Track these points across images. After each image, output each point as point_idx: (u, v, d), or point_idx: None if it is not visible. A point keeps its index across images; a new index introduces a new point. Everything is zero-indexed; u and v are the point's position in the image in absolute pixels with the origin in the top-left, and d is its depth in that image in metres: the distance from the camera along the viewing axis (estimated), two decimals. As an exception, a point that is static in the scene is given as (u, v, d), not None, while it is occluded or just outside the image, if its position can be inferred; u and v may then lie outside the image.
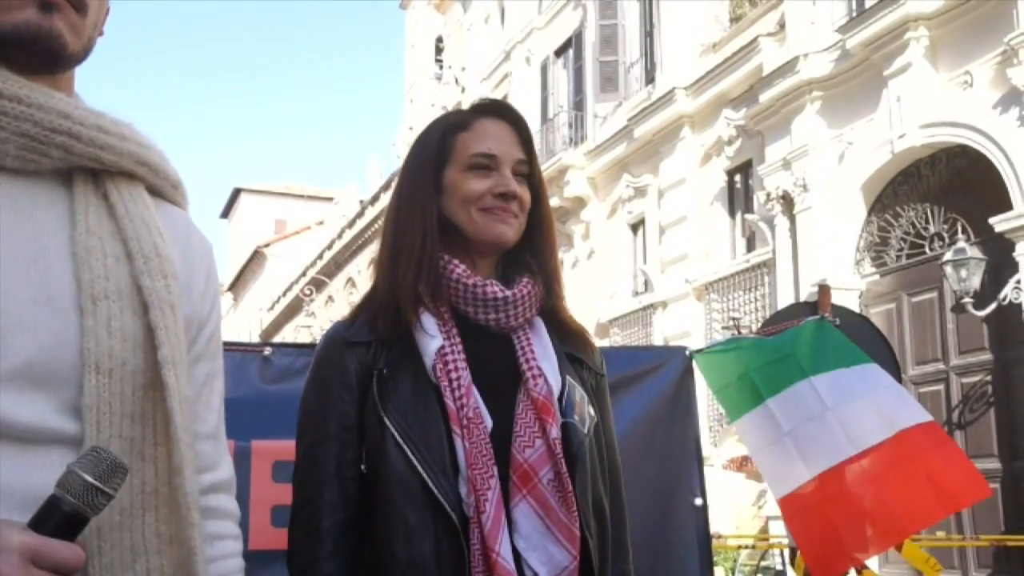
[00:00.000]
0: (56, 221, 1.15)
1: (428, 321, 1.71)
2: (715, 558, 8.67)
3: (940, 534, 9.68)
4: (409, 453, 1.61)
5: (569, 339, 1.84)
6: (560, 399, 1.71)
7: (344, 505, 1.68)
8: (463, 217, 1.75)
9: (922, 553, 4.35)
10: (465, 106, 1.92)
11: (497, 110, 1.84)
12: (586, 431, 1.72)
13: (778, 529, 9.67)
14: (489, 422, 1.65)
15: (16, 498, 1.04)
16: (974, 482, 3.32)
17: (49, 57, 1.15)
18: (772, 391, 3.40)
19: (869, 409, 3.29)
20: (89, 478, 0.99)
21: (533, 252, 1.81)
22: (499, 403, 1.68)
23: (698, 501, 3.43)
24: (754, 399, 3.43)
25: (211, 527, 1.29)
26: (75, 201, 1.16)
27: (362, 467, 1.69)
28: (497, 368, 1.71)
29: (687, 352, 3.58)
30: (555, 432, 1.66)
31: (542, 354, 1.74)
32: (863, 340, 3.71)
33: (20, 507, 1.03)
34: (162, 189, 1.29)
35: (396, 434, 1.63)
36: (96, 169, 1.19)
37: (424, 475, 1.60)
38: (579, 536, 1.63)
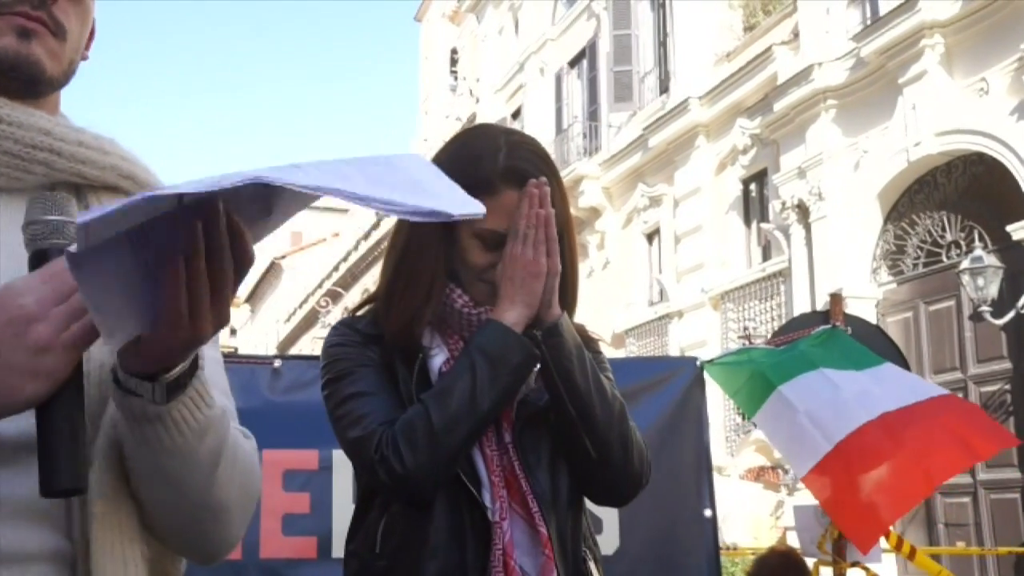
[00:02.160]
0: None
1: (434, 338, 1.74)
2: (733, 568, 8.65)
3: (960, 544, 9.62)
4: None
5: None
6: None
7: (398, 407, 1.66)
8: (463, 275, 1.75)
9: (936, 564, 4.32)
10: (487, 120, 1.87)
11: (527, 177, 1.69)
12: (537, 401, 1.71)
13: (796, 540, 9.60)
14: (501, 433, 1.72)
15: (5, 506, 1.04)
16: (998, 433, 3.34)
17: (28, 82, 1.17)
18: (783, 379, 3.41)
19: (884, 389, 3.32)
20: (51, 217, 1.01)
21: None
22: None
23: (707, 512, 3.42)
24: (767, 389, 3.44)
25: None
26: None
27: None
28: None
29: (697, 363, 3.58)
30: (508, 436, 1.69)
31: None
32: (876, 349, 3.69)
33: (9, 515, 1.04)
34: None
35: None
36: (79, 184, 1.21)
37: (462, 476, 1.64)
38: (545, 532, 1.65)
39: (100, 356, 1.13)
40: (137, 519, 1.14)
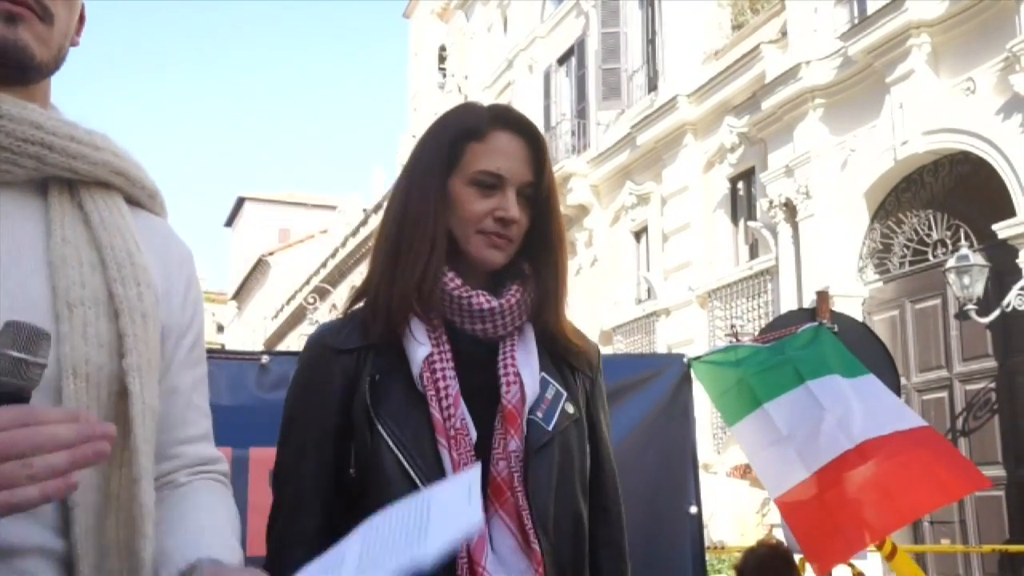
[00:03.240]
0: (32, 231, 1.16)
1: (418, 328, 1.68)
2: (720, 565, 8.66)
3: (945, 542, 9.66)
4: (403, 460, 1.60)
5: (557, 340, 1.79)
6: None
7: (323, 512, 1.67)
8: (459, 232, 1.72)
9: (914, 566, 4.33)
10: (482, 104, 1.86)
11: (514, 123, 1.75)
12: (551, 428, 1.68)
13: (782, 537, 9.63)
14: (474, 434, 1.64)
15: None
16: (972, 474, 3.33)
17: (16, 68, 1.16)
18: (769, 396, 3.40)
19: (866, 411, 3.30)
20: (15, 353, 0.97)
21: (533, 262, 1.77)
22: (482, 413, 1.66)
23: (693, 509, 3.42)
24: (752, 404, 3.43)
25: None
26: (50, 211, 1.17)
27: (351, 471, 1.67)
28: (482, 378, 1.69)
29: (685, 360, 3.58)
30: (514, 444, 1.63)
31: (524, 360, 1.71)
32: (862, 347, 3.69)
33: None
34: (139, 199, 1.30)
35: (389, 441, 1.61)
36: (71, 179, 1.20)
37: (418, 482, 1.58)
38: (538, 550, 1.60)
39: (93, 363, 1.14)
40: (132, 514, 1.15)
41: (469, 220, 1.70)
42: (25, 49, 1.15)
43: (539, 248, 1.77)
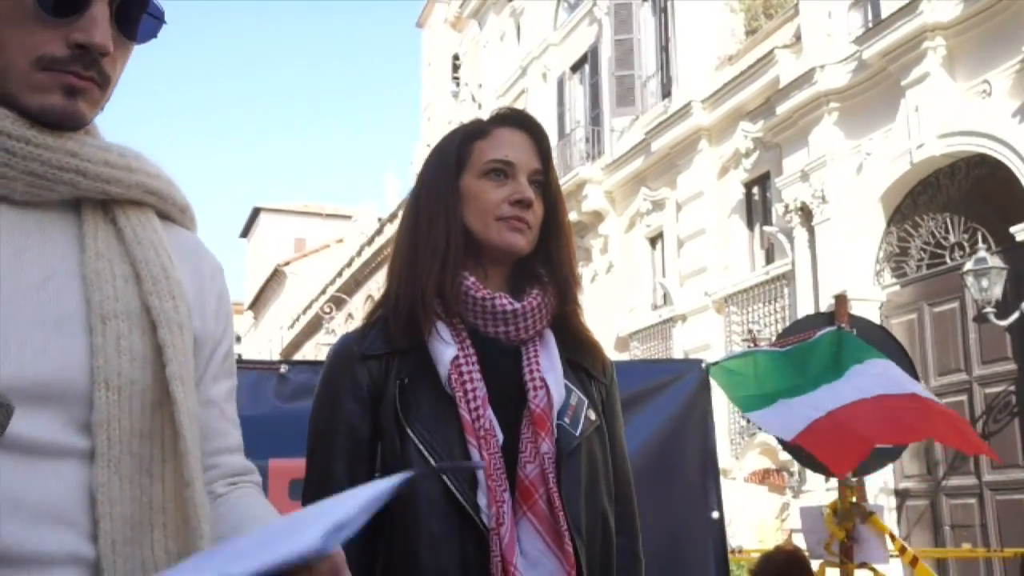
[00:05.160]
0: (65, 245, 1.18)
1: (443, 330, 1.70)
2: (739, 571, 8.63)
3: (966, 546, 9.59)
4: (432, 462, 1.61)
5: (576, 348, 1.82)
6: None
7: None
8: (478, 224, 1.75)
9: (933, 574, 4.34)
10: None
11: (515, 119, 1.83)
12: (578, 433, 1.70)
13: (802, 542, 9.59)
14: (500, 436, 1.65)
15: (28, 508, 1.06)
16: (975, 440, 3.55)
17: (67, 130, 1.19)
18: (788, 396, 3.44)
19: (884, 378, 3.42)
20: None
21: (548, 262, 1.80)
22: (507, 417, 1.68)
23: (715, 514, 3.41)
24: (768, 400, 3.47)
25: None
26: (84, 226, 1.20)
27: (376, 475, 1.68)
28: (506, 381, 1.70)
29: (703, 365, 3.58)
30: (546, 447, 1.65)
31: (548, 365, 1.73)
32: (881, 350, 3.69)
33: (33, 518, 1.06)
34: (171, 213, 1.32)
35: (419, 444, 1.63)
36: (105, 199, 1.23)
37: (449, 484, 1.61)
38: (572, 551, 1.61)
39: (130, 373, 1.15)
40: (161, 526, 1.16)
41: (487, 209, 1.74)
42: (81, 118, 1.18)
43: (552, 238, 1.81)
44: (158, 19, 1.22)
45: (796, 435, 3.32)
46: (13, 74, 1.13)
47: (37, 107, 1.14)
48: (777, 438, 3.86)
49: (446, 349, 1.68)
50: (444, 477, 1.61)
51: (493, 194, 1.74)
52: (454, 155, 1.79)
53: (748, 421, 12.26)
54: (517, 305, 1.72)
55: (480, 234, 1.75)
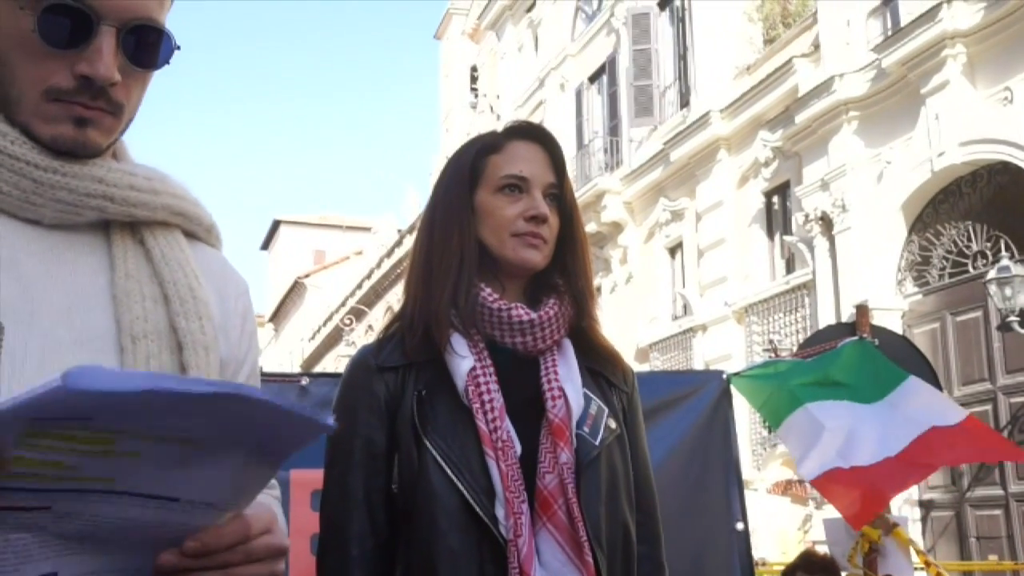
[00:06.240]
0: (95, 266, 1.20)
1: (459, 343, 1.70)
2: (761, 584, 8.58)
3: (992, 558, 9.50)
4: (451, 475, 1.61)
5: (596, 357, 1.81)
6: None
7: (374, 533, 1.68)
8: (493, 240, 1.75)
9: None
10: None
11: (529, 132, 1.83)
12: (598, 442, 1.69)
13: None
14: (518, 447, 1.65)
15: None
16: (1010, 447, 3.52)
17: (81, 158, 1.20)
18: (812, 399, 3.43)
19: (906, 415, 3.40)
20: None
21: (564, 273, 1.80)
22: (526, 428, 1.67)
23: (739, 526, 3.40)
24: (794, 404, 3.46)
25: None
26: (113, 248, 1.21)
27: (393, 487, 1.68)
28: (524, 392, 1.70)
29: (724, 376, 3.57)
30: (565, 456, 1.64)
31: (566, 375, 1.72)
32: (903, 360, 3.66)
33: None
34: (196, 232, 1.34)
35: (437, 456, 1.63)
36: (132, 222, 1.24)
37: (468, 496, 1.60)
38: (592, 562, 1.61)
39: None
40: None
41: (502, 225, 1.74)
42: (93, 147, 1.19)
43: (568, 250, 1.81)
44: (169, 45, 1.22)
45: (816, 477, 3.34)
46: (26, 104, 1.15)
47: (48, 137, 1.16)
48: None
49: (463, 361, 1.68)
50: (463, 490, 1.60)
51: (508, 210, 1.74)
52: (468, 170, 1.79)
53: (770, 431, 12.20)
54: (534, 315, 1.72)
55: (495, 250, 1.75)
